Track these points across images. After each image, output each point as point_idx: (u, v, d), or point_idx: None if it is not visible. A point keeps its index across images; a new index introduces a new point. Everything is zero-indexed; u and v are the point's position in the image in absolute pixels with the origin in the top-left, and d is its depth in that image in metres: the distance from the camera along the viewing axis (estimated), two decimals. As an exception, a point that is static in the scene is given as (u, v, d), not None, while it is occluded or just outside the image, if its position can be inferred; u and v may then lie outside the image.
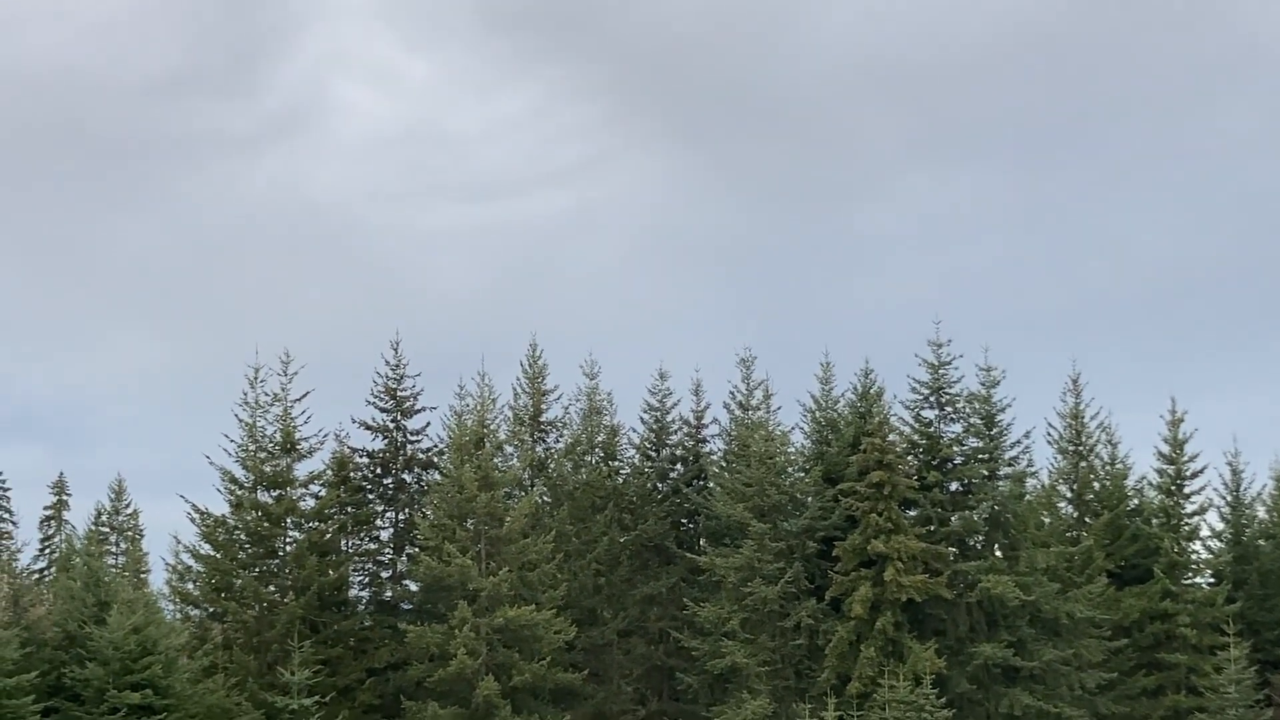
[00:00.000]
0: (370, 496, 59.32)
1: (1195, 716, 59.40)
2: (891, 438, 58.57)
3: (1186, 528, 65.91)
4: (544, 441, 63.03)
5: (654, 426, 63.92)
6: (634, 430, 64.13)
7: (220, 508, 55.26)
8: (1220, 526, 68.84)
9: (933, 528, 58.18)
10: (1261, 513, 71.72)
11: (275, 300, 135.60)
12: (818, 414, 62.86)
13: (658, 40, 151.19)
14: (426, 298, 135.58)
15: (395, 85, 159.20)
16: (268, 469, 55.56)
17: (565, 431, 63.33)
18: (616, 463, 63.53)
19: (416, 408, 59.85)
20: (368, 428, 59.33)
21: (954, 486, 59.90)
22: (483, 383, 59.53)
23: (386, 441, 59.61)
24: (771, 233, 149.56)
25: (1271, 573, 67.94)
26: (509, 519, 55.00)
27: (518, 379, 63.09)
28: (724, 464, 62.33)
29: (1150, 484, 66.99)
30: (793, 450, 61.47)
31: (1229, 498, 69.59)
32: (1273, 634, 64.78)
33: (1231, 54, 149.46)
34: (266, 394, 55.90)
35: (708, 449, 63.74)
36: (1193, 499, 66.20)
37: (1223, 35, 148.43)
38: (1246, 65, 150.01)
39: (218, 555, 54.84)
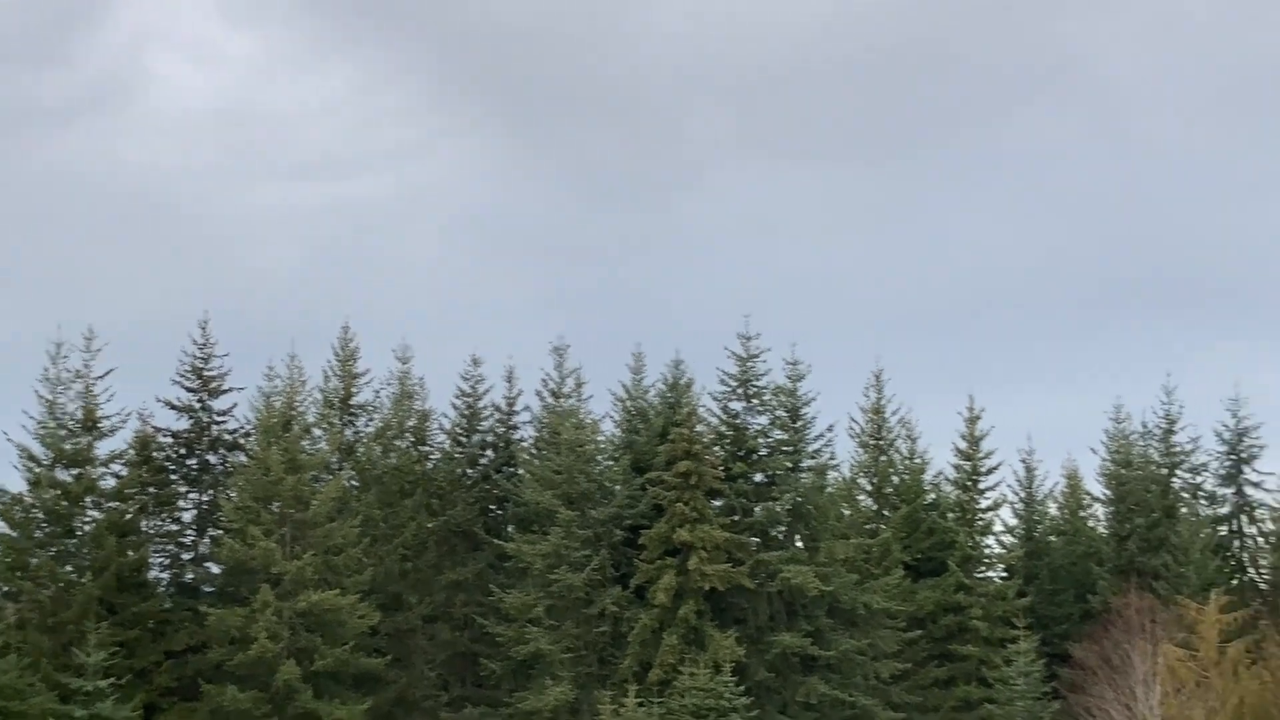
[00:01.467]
0: (173, 477, 58.53)
1: (984, 707, 61.28)
2: (699, 428, 59.57)
3: (981, 522, 67.91)
4: (353, 425, 62.72)
5: (465, 412, 64.18)
6: (445, 416, 64.46)
7: (17, 485, 54.28)
8: (1013, 522, 71.27)
9: (737, 518, 59.30)
10: (1053, 509, 74.59)
11: (83, 275, 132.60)
12: (628, 404, 63.62)
13: (485, 27, 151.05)
14: (240, 277, 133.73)
15: (214, 61, 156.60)
16: (67, 447, 54.56)
17: (375, 415, 63.15)
18: (426, 448, 63.61)
19: (224, 388, 59.21)
20: (172, 407, 58.55)
21: (758, 478, 61.08)
22: (292, 364, 59.30)
23: (192, 421, 58.88)
24: (592, 223, 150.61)
25: (1061, 568, 70.42)
26: (315, 502, 54.91)
27: (329, 361, 62.82)
28: (534, 451, 62.79)
29: (947, 479, 69.07)
30: (602, 439, 62.17)
31: (1022, 494, 72.14)
32: (1060, 628, 66.82)
33: (1047, 65, 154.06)
34: (68, 370, 55.06)
35: (518, 436, 64.36)
36: (987, 494, 68.30)
37: (1040, 46, 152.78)
38: (1061, 76, 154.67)
39: (13, 534, 53.73)
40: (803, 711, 57.63)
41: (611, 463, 60.85)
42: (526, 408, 64.29)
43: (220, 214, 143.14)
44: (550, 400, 63.23)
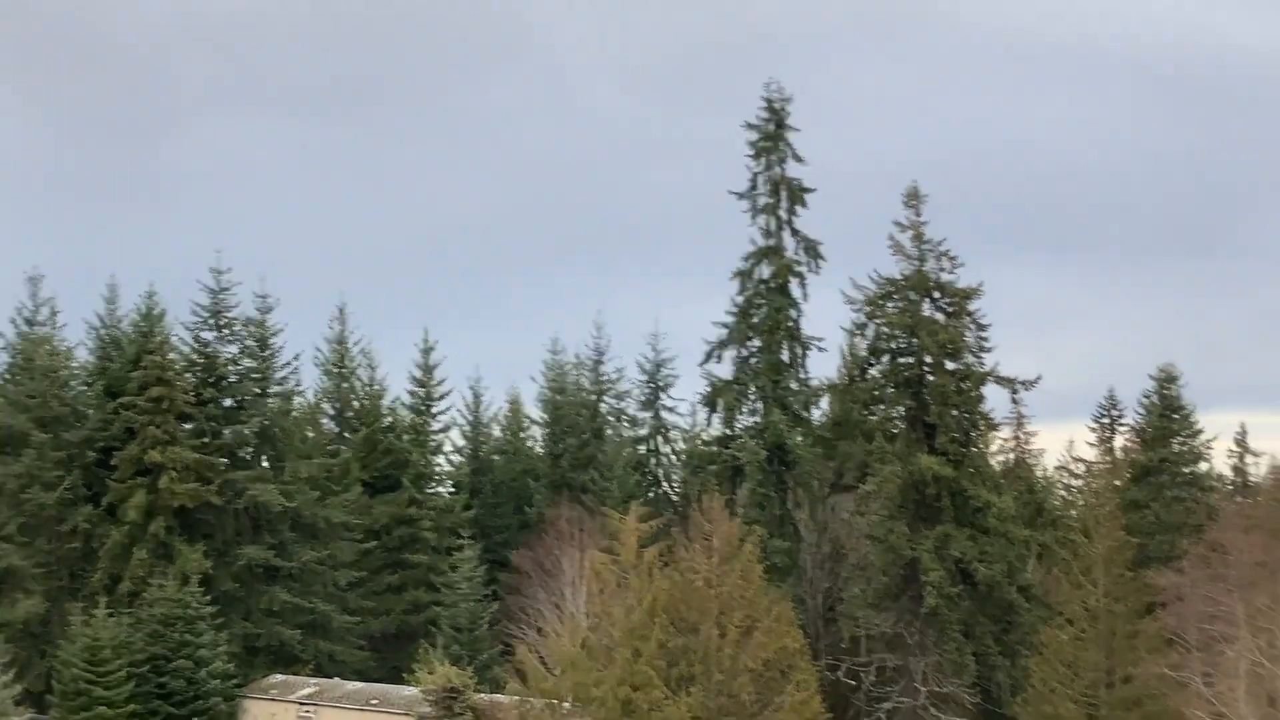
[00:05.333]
0: None
1: (432, 609, 66.99)
2: (171, 356, 62.81)
3: (433, 443, 74.17)
4: None
5: (-64, 338, 64.70)
6: (-90, 343, 64.64)
7: None
8: (462, 443, 77.93)
9: (207, 440, 62.92)
10: (497, 431, 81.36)
11: None
12: (102, 332, 65.74)
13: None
14: None
15: None
16: None
17: None
18: (-107, 375, 63.85)
19: None
20: None
21: (228, 402, 65.06)
22: None
23: None
24: (77, 161, 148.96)
25: (503, 484, 77.41)
26: None
27: None
28: (8, 376, 64.11)
29: (404, 404, 74.66)
30: (76, 365, 64.35)
31: (470, 418, 78.69)
32: (501, 537, 73.31)
33: (500, 36, 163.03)
34: None
35: (-10, 363, 65.24)
36: (439, 418, 74.83)
37: (493, 19, 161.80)
38: (514, 47, 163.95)
39: None
40: (265, 618, 62.03)
41: (85, 388, 63.23)
42: (0, 335, 65.44)
43: None
44: (24, 328, 64.62)
